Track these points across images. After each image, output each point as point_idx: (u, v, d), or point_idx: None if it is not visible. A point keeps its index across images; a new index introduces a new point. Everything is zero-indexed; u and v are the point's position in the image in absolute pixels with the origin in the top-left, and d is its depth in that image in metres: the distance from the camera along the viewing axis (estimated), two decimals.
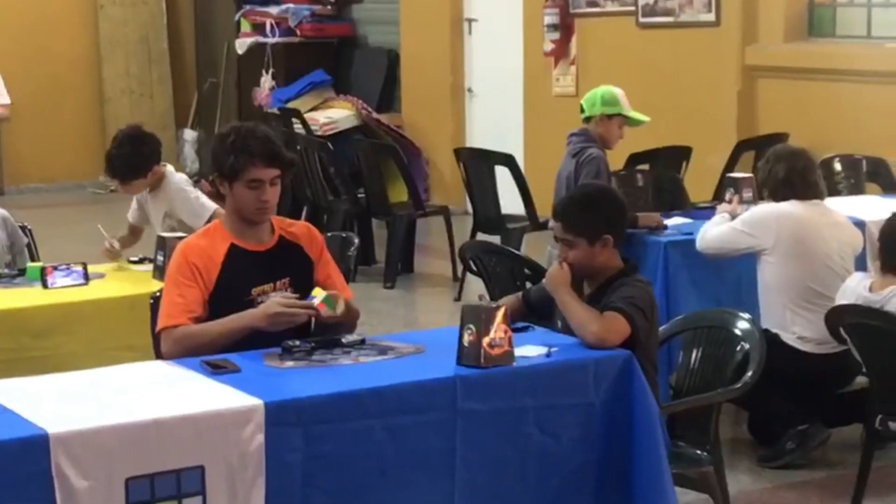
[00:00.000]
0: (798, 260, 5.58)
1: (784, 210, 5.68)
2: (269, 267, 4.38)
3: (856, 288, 5.17)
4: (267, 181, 4.31)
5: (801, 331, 5.55)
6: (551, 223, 4.61)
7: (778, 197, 5.76)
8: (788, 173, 5.75)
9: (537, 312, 4.58)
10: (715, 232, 5.86)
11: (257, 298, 4.33)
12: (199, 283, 4.29)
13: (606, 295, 4.34)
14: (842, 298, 5.22)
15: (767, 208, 5.73)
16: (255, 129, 4.39)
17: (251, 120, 6.90)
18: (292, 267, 4.41)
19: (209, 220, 5.92)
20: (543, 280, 4.55)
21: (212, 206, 5.99)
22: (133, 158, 5.97)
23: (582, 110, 6.59)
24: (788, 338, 5.56)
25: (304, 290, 4.37)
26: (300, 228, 4.53)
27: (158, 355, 4.57)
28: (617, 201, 4.56)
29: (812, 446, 5.56)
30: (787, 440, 5.57)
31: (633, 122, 6.71)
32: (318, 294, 4.23)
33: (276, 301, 4.23)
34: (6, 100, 9.06)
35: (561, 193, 6.28)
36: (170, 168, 6.18)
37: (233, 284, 4.31)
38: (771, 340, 5.16)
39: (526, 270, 6.09)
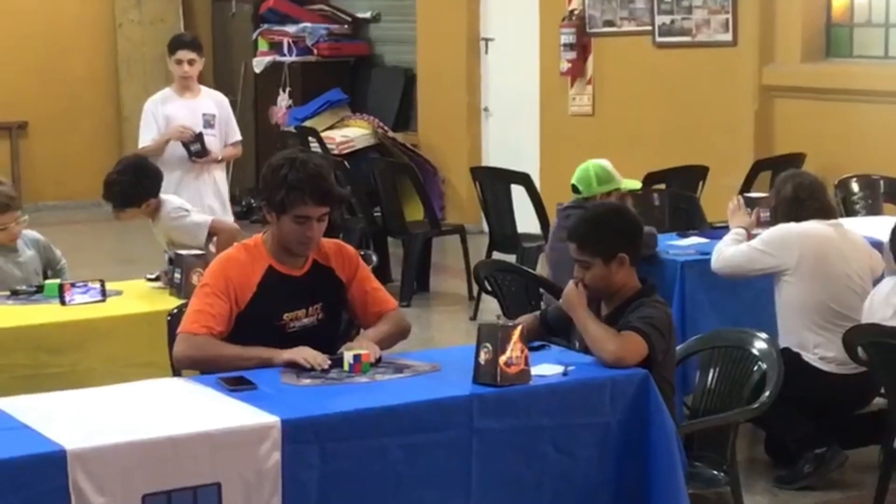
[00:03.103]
0: (819, 280, 5.56)
1: (805, 229, 5.66)
2: (302, 293, 4.36)
3: (888, 296, 5.16)
4: (315, 218, 4.28)
5: (824, 351, 5.53)
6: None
7: (791, 216, 5.75)
8: (795, 190, 5.76)
9: (554, 331, 4.58)
10: (732, 251, 5.82)
11: (289, 323, 4.33)
12: (231, 299, 4.27)
13: (624, 315, 4.34)
14: (872, 307, 5.20)
15: (788, 228, 5.70)
16: (308, 164, 4.30)
17: (269, 139, 6.96)
18: (325, 292, 4.41)
19: (209, 234, 6.09)
20: (560, 299, 4.54)
21: (206, 220, 6.16)
22: (131, 188, 6.05)
23: (576, 190, 6.24)
24: (810, 358, 5.54)
25: (335, 315, 4.45)
26: (331, 248, 4.48)
27: (176, 372, 4.59)
28: (631, 219, 4.56)
29: (830, 469, 5.53)
30: (804, 463, 5.54)
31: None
32: (347, 356, 4.16)
33: (308, 352, 4.16)
34: (238, 136, 7.92)
35: (563, 270, 5.82)
36: (164, 198, 6.24)
37: (266, 307, 4.30)
38: (791, 360, 5.16)
39: (541, 290, 6.08)
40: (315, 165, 4.33)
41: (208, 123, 7.70)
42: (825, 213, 5.76)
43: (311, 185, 4.25)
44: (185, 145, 7.53)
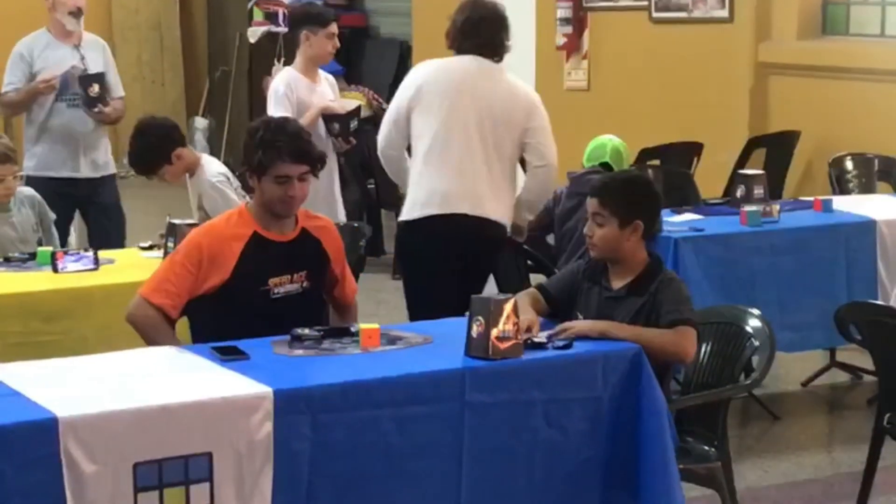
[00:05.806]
0: None
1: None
2: (288, 258, 4.39)
3: None
4: (295, 177, 4.33)
5: None
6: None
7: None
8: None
9: (558, 306, 4.50)
10: None
11: (273, 289, 4.36)
12: (199, 273, 4.31)
13: (649, 293, 4.31)
14: None
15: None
16: (286, 125, 4.43)
17: (263, 110, 6.86)
18: (311, 260, 4.44)
19: None
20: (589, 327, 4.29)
21: (237, 203, 5.91)
22: (144, 153, 5.88)
23: (607, 167, 6.39)
24: None
25: (319, 285, 4.48)
26: (324, 223, 4.57)
27: None
28: (655, 192, 4.55)
29: None
30: None
31: None
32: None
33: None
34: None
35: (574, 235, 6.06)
36: (206, 159, 6.04)
37: (250, 273, 4.32)
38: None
39: (529, 262, 6.13)
40: (292, 125, 4.44)
41: None
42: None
43: (288, 143, 4.32)
44: (328, 124, 6.85)
